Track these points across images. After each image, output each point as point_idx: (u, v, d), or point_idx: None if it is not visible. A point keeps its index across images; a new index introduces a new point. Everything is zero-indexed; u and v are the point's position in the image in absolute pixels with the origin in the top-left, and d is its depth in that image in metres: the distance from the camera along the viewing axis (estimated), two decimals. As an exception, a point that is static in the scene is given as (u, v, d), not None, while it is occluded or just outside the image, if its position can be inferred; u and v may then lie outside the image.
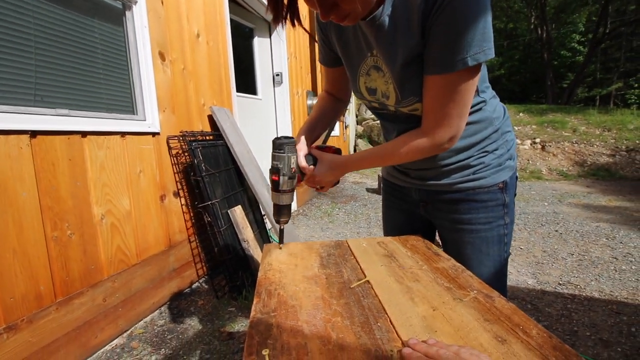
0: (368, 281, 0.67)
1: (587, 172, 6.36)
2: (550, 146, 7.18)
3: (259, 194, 2.36)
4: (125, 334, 1.67)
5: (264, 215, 2.63)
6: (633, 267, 2.39)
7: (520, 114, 9.30)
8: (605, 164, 6.52)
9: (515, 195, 0.87)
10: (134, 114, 1.77)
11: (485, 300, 0.59)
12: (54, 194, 1.35)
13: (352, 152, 4.84)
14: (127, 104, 1.75)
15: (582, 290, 2.08)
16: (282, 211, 0.82)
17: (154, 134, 1.82)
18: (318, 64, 4.70)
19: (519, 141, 7.43)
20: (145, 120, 1.79)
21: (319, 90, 4.94)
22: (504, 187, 0.82)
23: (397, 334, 0.50)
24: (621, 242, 2.86)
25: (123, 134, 1.64)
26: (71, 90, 1.49)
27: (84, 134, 1.47)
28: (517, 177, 0.87)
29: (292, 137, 0.78)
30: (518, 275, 2.29)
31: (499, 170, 0.82)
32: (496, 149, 0.82)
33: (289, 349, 0.46)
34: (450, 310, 0.56)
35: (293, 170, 0.79)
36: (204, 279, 2.23)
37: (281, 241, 0.84)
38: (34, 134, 1.28)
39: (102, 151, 1.55)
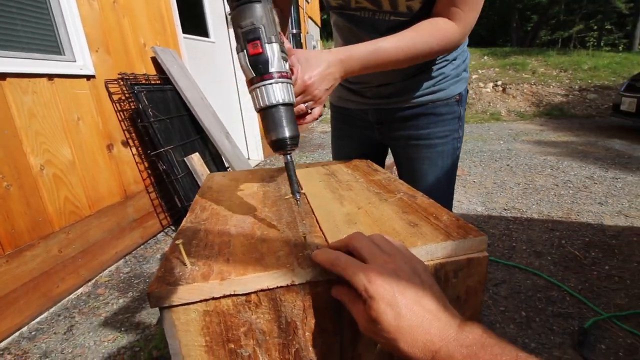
0: (304, 193, 0.69)
1: (542, 112, 6.69)
2: (510, 88, 7.39)
3: (217, 142, 2.29)
4: (90, 283, 1.68)
5: (228, 167, 2.59)
6: (570, 192, 2.64)
7: (485, 57, 9.37)
8: (559, 103, 6.85)
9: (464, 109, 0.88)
10: (60, 54, 1.59)
11: (408, 199, 0.62)
12: (-21, 142, 1.24)
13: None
14: (50, 43, 1.57)
15: (524, 213, 2.29)
16: (277, 118, 0.44)
17: (88, 77, 1.67)
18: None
19: (481, 84, 7.58)
20: (75, 61, 1.62)
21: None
22: (459, 100, 0.82)
23: (319, 227, 0.52)
24: (563, 172, 3.12)
25: (50, 76, 1.48)
26: (-22, 24, 1.30)
27: (2, 76, 1.31)
28: (467, 91, 0.87)
29: None
30: (469, 204, 2.47)
31: (457, 82, 0.81)
32: (455, 59, 0.80)
33: (212, 245, 0.48)
34: (373, 208, 0.59)
35: (281, 36, 0.46)
36: (169, 228, 2.23)
37: (296, 191, 0.49)
38: (-63, 73, 1.13)
39: (29, 96, 1.40)
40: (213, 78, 3.16)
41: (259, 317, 0.43)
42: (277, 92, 0.44)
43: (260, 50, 0.43)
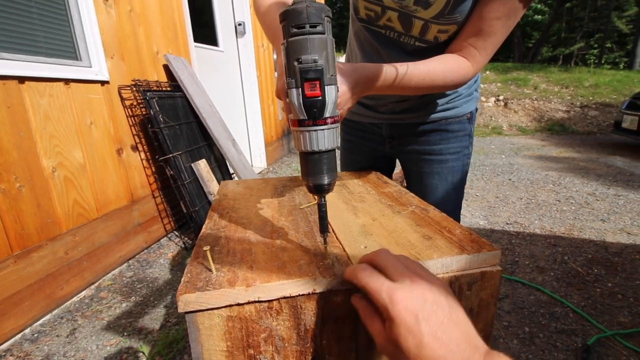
0: (316, 203, 0.70)
1: (543, 127, 6.74)
2: (512, 103, 7.47)
3: (224, 149, 2.32)
4: (93, 286, 1.68)
5: (233, 174, 2.61)
6: (572, 207, 2.65)
7: (487, 72, 9.48)
8: (560, 119, 6.91)
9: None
10: (77, 60, 1.63)
11: (420, 212, 0.64)
12: (-6, 144, 1.26)
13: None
14: (68, 49, 1.61)
15: (526, 228, 2.30)
16: (320, 165, 0.43)
17: (102, 83, 1.70)
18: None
19: (483, 99, 7.65)
20: (91, 67, 1.66)
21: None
22: (470, 118, 0.85)
23: (336, 237, 0.54)
24: (565, 187, 3.14)
25: (67, 80, 1.51)
26: (1, 32, 1.33)
27: (22, 79, 1.34)
28: (477, 109, 0.90)
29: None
30: (472, 217, 2.48)
31: (469, 101, 0.83)
32: None
33: (234, 252, 0.49)
34: (387, 220, 0.61)
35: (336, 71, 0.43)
36: (172, 233, 2.24)
37: (325, 230, 0.47)
38: (-40, 76, 1.16)
39: (45, 99, 1.43)
40: (220, 86, 3.21)
41: (279, 323, 0.44)
42: (327, 140, 0.42)
43: (319, 93, 0.39)
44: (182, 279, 0.43)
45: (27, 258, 1.37)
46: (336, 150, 0.45)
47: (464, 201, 2.79)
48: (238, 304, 0.41)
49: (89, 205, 1.65)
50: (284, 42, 0.40)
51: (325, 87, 0.39)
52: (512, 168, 3.87)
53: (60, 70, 1.50)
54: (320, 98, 0.39)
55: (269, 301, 0.42)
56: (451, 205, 0.87)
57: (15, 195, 1.32)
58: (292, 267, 0.45)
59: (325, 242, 0.48)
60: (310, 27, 0.38)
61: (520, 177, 3.48)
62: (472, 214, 2.55)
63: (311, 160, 0.43)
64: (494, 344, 1.31)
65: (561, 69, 9.72)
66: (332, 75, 0.40)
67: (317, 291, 0.43)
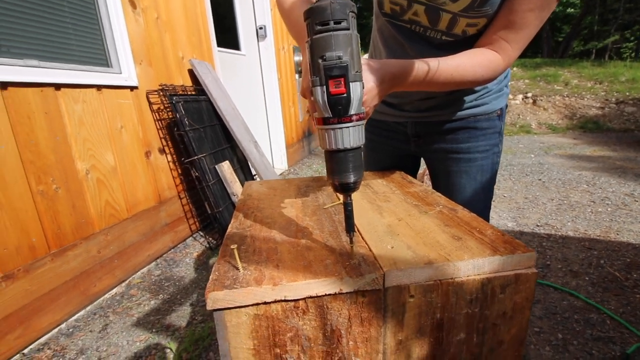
0: (341, 202, 0.70)
1: (575, 125, 6.41)
2: (541, 100, 7.16)
3: (246, 151, 2.36)
4: (123, 284, 1.75)
5: (255, 175, 2.65)
6: (609, 209, 2.50)
7: (514, 69, 9.14)
8: (594, 116, 6.56)
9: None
10: (108, 67, 1.71)
11: (448, 212, 0.62)
12: (34, 148, 1.34)
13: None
14: (100, 56, 1.69)
15: (558, 230, 2.19)
16: (346, 163, 0.43)
17: (132, 88, 1.77)
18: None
19: (510, 96, 7.39)
20: (121, 73, 1.74)
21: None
22: (500, 114, 0.82)
23: (362, 236, 0.53)
24: (600, 188, 2.97)
25: (99, 87, 1.59)
26: (38, 41, 1.42)
27: (57, 86, 1.42)
28: (507, 106, 0.86)
29: None
30: (499, 219, 2.39)
31: (499, 97, 0.80)
32: None
33: (260, 251, 0.50)
34: (414, 220, 0.59)
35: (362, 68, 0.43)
36: (197, 233, 2.29)
37: (351, 230, 0.47)
38: (3, 85, 1.24)
39: (79, 105, 1.51)
40: (243, 89, 3.27)
41: (305, 323, 0.44)
42: (352, 137, 0.41)
43: (344, 90, 0.39)
44: (210, 276, 0.43)
45: (63, 256, 1.45)
46: (362, 147, 0.44)
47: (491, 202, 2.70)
48: (265, 303, 0.41)
49: (120, 206, 1.72)
50: (308, 40, 0.40)
51: (350, 83, 0.39)
52: (542, 168, 3.70)
53: (93, 77, 1.58)
54: (345, 95, 0.39)
55: (295, 300, 0.42)
56: (480, 205, 0.85)
57: (52, 196, 1.40)
58: (318, 266, 0.45)
59: (351, 241, 0.48)
60: (335, 23, 0.37)
61: (551, 177, 3.33)
62: (500, 215, 2.46)
63: (337, 159, 0.42)
64: (525, 350, 1.26)
65: (594, 64, 9.23)
66: (357, 72, 0.40)
67: (344, 291, 0.42)
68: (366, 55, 0.91)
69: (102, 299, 1.64)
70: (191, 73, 2.27)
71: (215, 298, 0.40)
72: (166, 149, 2.04)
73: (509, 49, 0.62)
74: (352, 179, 0.43)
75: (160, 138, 1.99)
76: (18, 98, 1.28)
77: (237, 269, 0.44)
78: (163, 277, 1.83)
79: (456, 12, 0.63)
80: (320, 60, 0.38)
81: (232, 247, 0.44)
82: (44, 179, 1.37)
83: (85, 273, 1.54)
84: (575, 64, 9.30)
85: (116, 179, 1.70)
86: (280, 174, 3.76)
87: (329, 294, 0.42)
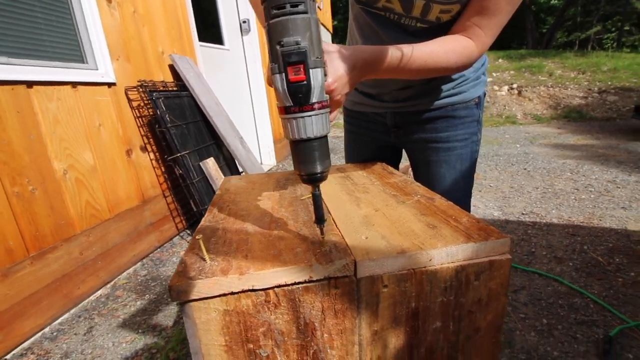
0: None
1: (559, 115, 6.52)
2: (526, 91, 7.25)
3: (232, 147, 2.33)
4: (108, 285, 1.71)
5: (242, 172, 2.62)
6: (592, 195, 2.55)
7: (500, 60, 9.23)
8: (577, 105, 6.67)
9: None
10: (83, 62, 1.65)
11: (425, 201, 0.62)
12: (7, 148, 1.29)
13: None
14: (74, 52, 1.63)
15: (543, 218, 2.23)
16: (310, 153, 0.42)
17: (109, 85, 1.72)
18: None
19: (496, 87, 7.46)
20: (97, 69, 1.68)
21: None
22: (478, 103, 0.81)
23: (336, 226, 0.53)
24: (584, 175, 3.03)
25: (74, 84, 1.54)
26: (8, 37, 1.36)
27: (30, 83, 1.37)
28: (485, 94, 0.86)
29: None
30: (485, 209, 2.42)
31: (476, 85, 0.80)
32: None
33: (231, 242, 0.48)
34: (391, 210, 0.59)
35: (323, 53, 0.42)
36: (184, 232, 2.26)
37: (321, 221, 0.46)
38: (-29, 83, 1.19)
39: (53, 103, 1.46)
40: (227, 84, 3.22)
41: (277, 317, 0.43)
42: (315, 126, 0.40)
43: (304, 77, 0.37)
44: (176, 269, 0.42)
45: (43, 259, 1.41)
46: (328, 136, 0.43)
47: (477, 192, 2.73)
48: (232, 293, 0.40)
49: (101, 206, 1.68)
50: (266, 25, 0.38)
51: (310, 70, 0.37)
52: (527, 157, 3.76)
53: (67, 74, 1.52)
54: (305, 82, 0.37)
55: (264, 290, 0.41)
56: (459, 194, 0.85)
57: (28, 198, 1.35)
58: (287, 255, 0.44)
59: (322, 233, 0.47)
60: (292, 6, 0.35)
61: (536, 166, 3.38)
62: (486, 205, 2.49)
63: (301, 149, 0.41)
64: (509, 336, 1.28)
65: (577, 54, 9.37)
66: (317, 58, 0.38)
67: (314, 278, 0.41)
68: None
69: (86, 301, 1.60)
70: (172, 68, 2.22)
71: (179, 290, 0.39)
72: (148, 146, 1.99)
73: (482, 35, 0.62)
74: (318, 169, 0.42)
75: (142, 135, 1.95)
76: (-13, 96, 1.23)
77: (205, 260, 0.43)
78: (149, 277, 1.80)
79: None
80: (277, 47, 0.37)
81: (197, 237, 0.43)
82: (19, 180, 1.32)
83: (67, 275, 1.50)
84: (559, 54, 9.44)
85: (96, 179, 1.65)
86: (269, 170, 3.73)
87: (299, 283, 0.41)
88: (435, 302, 0.45)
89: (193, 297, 0.39)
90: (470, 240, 0.45)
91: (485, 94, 0.87)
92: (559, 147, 4.22)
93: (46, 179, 1.42)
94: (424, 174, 0.87)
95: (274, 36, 0.37)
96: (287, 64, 0.37)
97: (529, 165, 3.43)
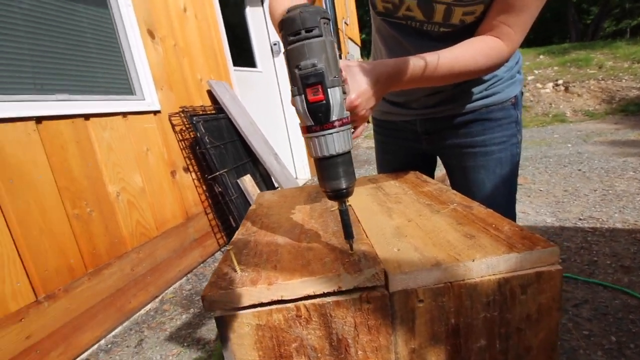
0: (350, 205, 0.68)
1: (615, 109, 5.95)
2: (574, 86, 6.73)
3: (267, 164, 2.39)
4: (157, 299, 1.81)
5: (277, 187, 2.68)
6: (662, 196, 2.28)
7: (541, 57, 8.70)
8: (635, 97, 6.06)
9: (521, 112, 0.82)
10: (132, 94, 1.81)
11: (462, 210, 0.59)
12: (68, 175, 1.43)
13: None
14: (124, 85, 1.79)
15: (604, 223, 2.02)
16: (335, 170, 0.41)
17: (155, 112, 1.87)
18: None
19: (539, 85, 7.01)
20: (144, 99, 1.83)
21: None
22: (515, 103, 0.77)
23: (366, 235, 0.51)
24: (650, 174, 2.71)
25: (124, 114, 1.69)
26: (68, 76, 1.53)
27: (87, 116, 1.52)
28: (522, 93, 0.82)
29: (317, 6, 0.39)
30: (536, 215, 2.24)
31: (512, 84, 0.76)
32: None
33: (261, 254, 0.49)
34: (425, 220, 0.56)
35: (342, 74, 0.44)
36: (225, 247, 2.34)
37: (350, 237, 0.44)
38: (38, 119, 1.34)
39: (107, 132, 1.61)
40: (261, 104, 3.34)
41: (309, 332, 0.42)
42: (337, 143, 0.40)
43: (322, 97, 0.38)
44: (209, 280, 0.43)
45: (99, 275, 1.52)
46: (351, 152, 0.43)
47: (525, 197, 2.54)
48: (262, 304, 0.40)
49: (150, 225, 1.80)
50: (284, 52, 0.40)
51: (328, 89, 0.39)
52: (581, 157, 3.45)
53: (119, 105, 1.68)
54: (324, 102, 0.39)
55: (294, 304, 0.40)
56: (502, 200, 0.79)
57: (86, 219, 1.48)
58: (316, 265, 0.43)
59: (351, 249, 0.46)
60: (306, 32, 0.37)
61: (592, 167, 3.09)
62: (537, 211, 2.31)
63: (325, 166, 0.42)
64: (573, 355, 1.15)
65: (629, 43, 8.57)
66: (335, 77, 0.39)
67: (342, 288, 0.40)
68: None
69: (137, 314, 1.70)
70: (210, 93, 2.35)
71: (210, 300, 0.40)
72: (190, 167, 2.11)
73: (511, 34, 0.59)
74: (343, 184, 0.42)
75: (184, 157, 2.07)
76: (52, 130, 1.39)
77: (236, 271, 0.44)
78: (194, 291, 1.87)
79: (450, 2, 0.61)
80: (296, 70, 0.39)
81: (228, 248, 0.44)
82: (78, 203, 1.46)
83: (120, 290, 1.61)
84: (608, 45, 8.68)
85: (145, 199, 1.78)
86: (304, 184, 3.78)
87: (330, 299, 0.40)
88: (477, 318, 0.42)
89: (224, 306, 0.40)
90: (512, 250, 0.42)
91: (522, 94, 0.82)
92: (618, 144, 3.83)
93: (101, 201, 1.56)
94: (461, 181, 0.83)
95: (292, 61, 0.39)
96: (306, 86, 0.39)
97: (584, 166, 3.15)
